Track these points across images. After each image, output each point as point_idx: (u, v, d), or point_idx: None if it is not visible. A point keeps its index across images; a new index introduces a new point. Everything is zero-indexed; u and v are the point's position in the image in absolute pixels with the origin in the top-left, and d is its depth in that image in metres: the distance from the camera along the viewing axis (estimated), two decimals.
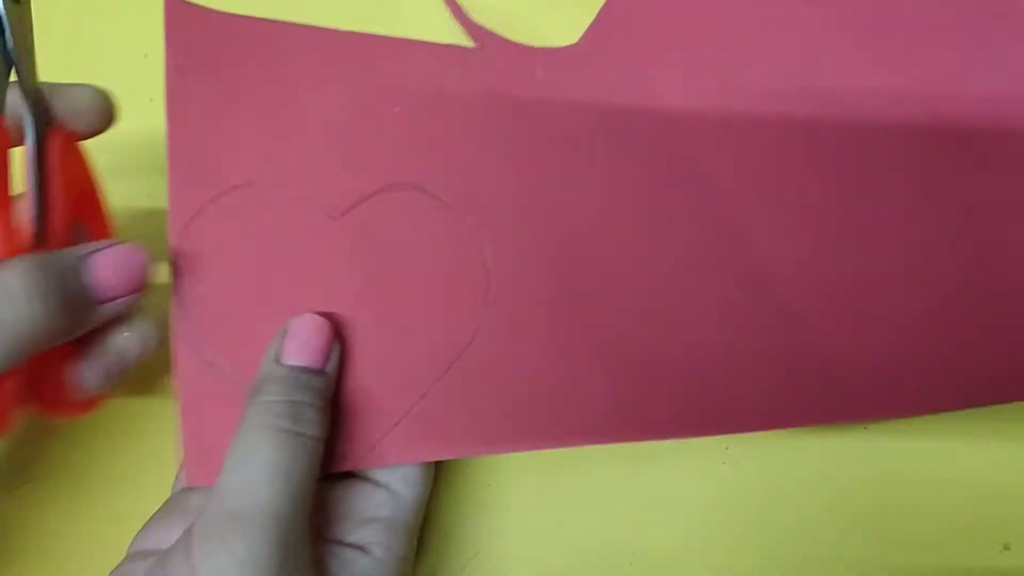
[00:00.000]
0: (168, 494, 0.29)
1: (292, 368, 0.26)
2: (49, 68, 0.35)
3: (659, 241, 0.31)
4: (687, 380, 0.30)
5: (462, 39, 0.34)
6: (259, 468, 0.24)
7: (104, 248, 0.25)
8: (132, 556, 0.27)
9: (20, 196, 0.26)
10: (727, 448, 0.32)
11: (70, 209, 0.27)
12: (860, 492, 0.32)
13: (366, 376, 0.28)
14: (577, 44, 0.33)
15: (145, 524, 0.28)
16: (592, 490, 0.33)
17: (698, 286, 0.31)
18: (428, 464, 0.29)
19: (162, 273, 0.28)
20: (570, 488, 0.33)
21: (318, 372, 0.26)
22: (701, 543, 0.32)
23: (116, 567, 0.27)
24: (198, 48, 0.30)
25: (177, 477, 0.29)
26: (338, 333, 0.28)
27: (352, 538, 0.27)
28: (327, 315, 0.28)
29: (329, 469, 0.27)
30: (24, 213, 0.26)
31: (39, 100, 0.26)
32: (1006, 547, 0.32)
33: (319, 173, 0.30)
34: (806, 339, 0.31)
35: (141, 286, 0.26)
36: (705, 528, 0.32)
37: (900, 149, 0.32)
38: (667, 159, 0.32)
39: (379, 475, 0.28)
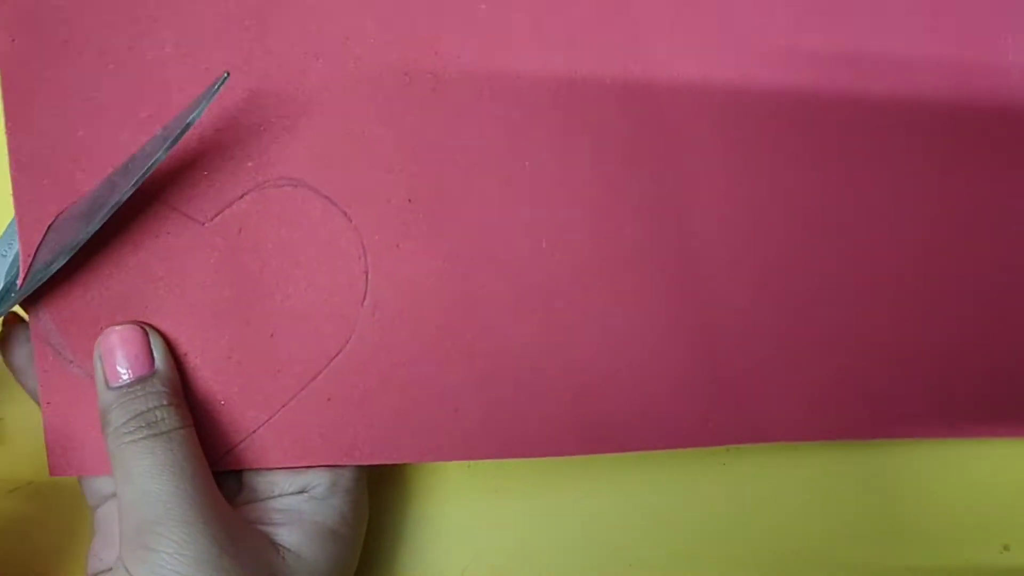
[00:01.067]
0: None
1: (121, 388, 0.26)
2: None
3: (575, 236, 0.29)
4: (577, 392, 0.29)
5: None
6: (141, 477, 0.24)
7: None
8: None
9: None
10: (726, 448, 0.32)
11: None
12: (859, 492, 0.32)
13: (230, 381, 0.27)
14: None
15: (89, 551, 0.28)
16: (590, 495, 0.32)
17: (620, 291, 0.29)
18: (338, 535, 0.28)
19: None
20: (569, 493, 0.32)
21: (151, 377, 0.26)
22: (699, 545, 0.32)
23: None
24: (35, 22, 0.26)
25: (85, 491, 0.29)
26: (151, 327, 0.27)
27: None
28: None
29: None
30: None
31: None
32: (1006, 547, 0.32)
33: (184, 168, 0.27)
34: (727, 354, 0.29)
35: None
36: (704, 529, 0.32)
37: (917, 125, 0.30)
38: (629, 133, 0.29)
39: (282, 538, 0.27)
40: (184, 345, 0.27)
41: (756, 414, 0.29)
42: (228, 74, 0.24)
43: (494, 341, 0.29)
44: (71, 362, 0.27)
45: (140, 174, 0.24)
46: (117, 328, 0.26)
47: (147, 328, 0.27)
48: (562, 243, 0.29)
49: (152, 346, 0.26)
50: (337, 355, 0.28)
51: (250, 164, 0.27)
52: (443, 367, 0.29)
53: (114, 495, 0.27)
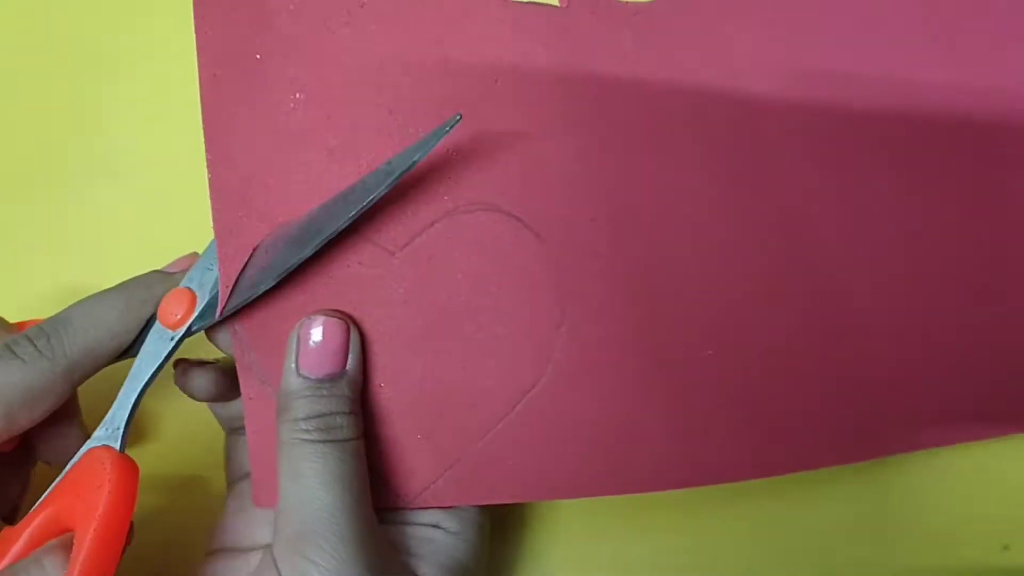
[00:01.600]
0: (168, 497, 0.29)
1: (312, 381, 0.25)
2: (48, 71, 0.35)
3: (742, 261, 0.29)
4: (763, 419, 0.28)
5: None
6: (311, 480, 0.24)
7: None
8: (215, 553, 0.27)
9: None
10: None
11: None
12: (858, 492, 0.33)
13: (425, 415, 0.27)
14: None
15: (220, 520, 0.28)
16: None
17: (775, 310, 0.29)
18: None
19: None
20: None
21: (340, 377, 0.26)
22: (700, 544, 0.32)
23: (203, 563, 0.27)
24: (232, 44, 0.26)
25: (227, 461, 0.29)
26: (356, 325, 0.26)
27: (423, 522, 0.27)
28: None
29: (383, 504, 0.27)
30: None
31: None
32: (1005, 547, 0.32)
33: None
34: (869, 365, 0.29)
35: None
36: (704, 529, 0.32)
37: (958, 144, 0.31)
38: (750, 157, 0.29)
39: (429, 517, 0.28)
40: (378, 376, 0.27)
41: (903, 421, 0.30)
42: (460, 116, 0.24)
43: (682, 360, 0.28)
44: (270, 386, 0.26)
45: (360, 206, 0.24)
46: (322, 315, 0.26)
47: (350, 325, 0.26)
48: (744, 263, 0.29)
49: (350, 345, 0.26)
50: (533, 387, 0.27)
51: (442, 190, 0.27)
52: (636, 392, 0.28)
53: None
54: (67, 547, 0.24)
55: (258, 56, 0.26)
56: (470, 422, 0.27)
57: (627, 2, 0.29)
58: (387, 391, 0.27)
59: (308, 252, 0.24)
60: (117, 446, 0.25)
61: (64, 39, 0.37)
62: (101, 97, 0.37)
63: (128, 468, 0.25)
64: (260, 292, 0.25)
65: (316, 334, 0.26)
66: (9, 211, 0.36)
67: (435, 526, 0.27)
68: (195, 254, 0.27)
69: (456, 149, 0.27)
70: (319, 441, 0.24)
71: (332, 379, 0.25)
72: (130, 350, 0.26)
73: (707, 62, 0.29)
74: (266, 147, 0.26)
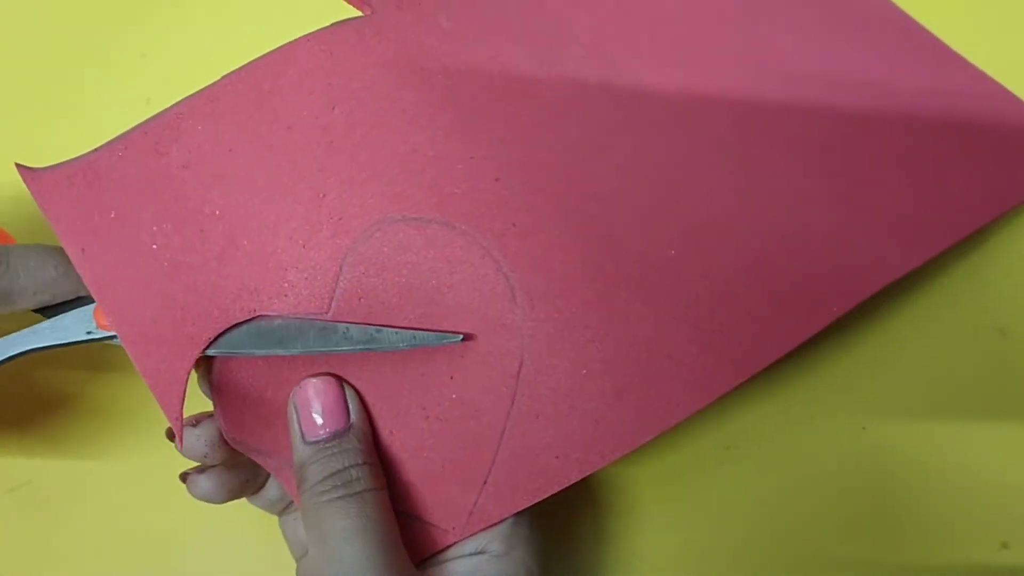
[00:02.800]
0: (167, 497, 0.30)
1: (318, 443, 0.25)
2: (49, 70, 0.36)
3: (663, 161, 0.30)
4: (751, 291, 0.29)
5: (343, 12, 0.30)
6: (334, 539, 0.24)
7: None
8: None
9: None
10: (727, 448, 0.33)
11: None
12: (858, 492, 0.32)
13: (438, 443, 0.27)
14: None
15: None
16: (591, 491, 0.32)
17: (723, 193, 0.30)
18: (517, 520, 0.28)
19: None
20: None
21: (346, 431, 0.26)
22: (701, 543, 0.32)
23: None
24: (86, 218, 0.27)
25: (287, 542, 0.29)
26: (342, 380, 0.27)
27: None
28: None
29: (438, 547, 0.27)
30: None
31: None
32: (1004, 545, 0.32)
33: (278, 275, 0.27)
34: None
35: None
36: (705, 528, 0.32)
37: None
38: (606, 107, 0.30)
39: (471, 545, 0.27)
40: (383, 424, 0.27)
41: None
42: (462, 337, 0.26)
43: (657, 270, 0.28)
44: (270, 457, 0.27)
45: (328, 349, 0.26)
46: (313, 379, 0.26)
47: (341, 381, 0.27)
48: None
49: (347, 399, 0.26)
50: (520, 368, 0.27)
51: (328, 233, 0.27)
52: (626, 317, 0.27)
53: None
54: None
55: (112, 213, 0.27)
56: (480, 430, 0.27)
57: None
58: (397, 435, 0.27)
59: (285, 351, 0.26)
60: None
61: (67, 38, 0.38)
62: (99, 96, 0.37)
63: None
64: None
65: (311, 398, 0.26)
66: (10, 210, 0.36)
67: (480, 552, 0.27)
68: None
69: (323, 191, 0.27)
70: (337, 498, 0.24)
71: (339, 436, 0.26)
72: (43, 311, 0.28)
73: (527, 24, 0.30)
74: (157, 285, 0.26)
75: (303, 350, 0.26)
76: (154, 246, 0.26)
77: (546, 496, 0.27)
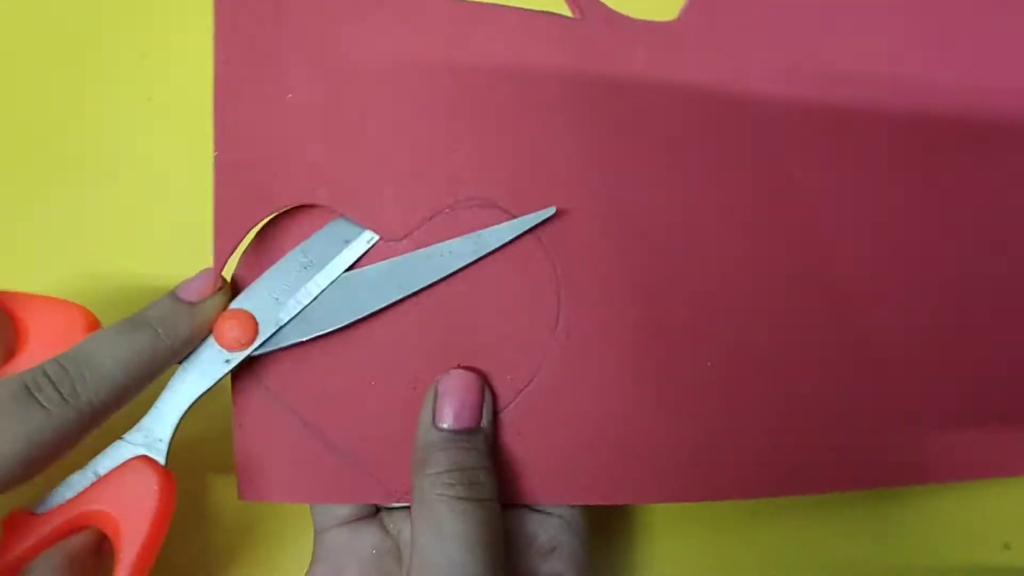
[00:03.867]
0: None
1: (452, 433, 0.25)
2: (49, 70, 0.36)
3: (758, 274, 0.29)
4: (772, 435, 0.28)
5: (560, 7, 0.30)
6: (457, 542, 0.23)
7: None
8: None
9: None
10: None
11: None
12: (862, 492, 0.33)
13: (415, 414, 0.27)
14: (680, 19, 0.30)
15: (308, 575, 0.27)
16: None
17: (792, 329, 0.28)
18: None
19: None
20: None
21: (477, 431, 0.26)
22: (701, 543, 0.32)
23: None
24: (248, 31, 0.27)
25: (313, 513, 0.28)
26: (488, 385, 0.27)
27: (545, 569, 0.27)
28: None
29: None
30: None
31: None
32: (1006, 546, 0.32)
33: (379, 188, 0.27)
34: (890, 385, 0.29)
35: None
36: (706, 528, 0.32)
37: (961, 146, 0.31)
38: (766, 167, 0.29)
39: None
40: (369, 375, 0.27)
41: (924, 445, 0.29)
42: (555, 210, 0.26)
43: (684, 368, 0.28)
44: (270, 391, 0.27)
45: (443, 274, 0.26)
46: (462, 372, 0.26)
47: (485, 382, 0.27)
48: (760, 276, 0.29)
49: (485, 401, 0.26)
50: (527, 386, 0.27)
51: (442, 185, 0.27)
52: (632, 397, 0.27)
53: (346, 523, 0.27)
54: (93, 545, 0.24)
55: (272, 45, 0.27)
56: None
57: (640, 20, 0.29)
58: (377, 388, 0.27)
59: (382, 304, 0.26)
60: (162, 460, 0.25)
61: (67, 37, 0.37)
62: (100, 96, 0.37)
63: (172, 487, 0.25)
64: (336, 327, 0.26)
65: (455, 388, 0.26)
66: (10, 210, 0.36)
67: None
68: (208, 271, 0.27)
69: (458, 144, 0.27)
70: (462, 498, 0.24)
71: (470, 433, 0.26)
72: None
73: (722, 81, 0.30)
74: (273, 132, 0.27)
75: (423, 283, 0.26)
76: (290, 99, 0.26)
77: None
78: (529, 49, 0.28)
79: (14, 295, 0.26)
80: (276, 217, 0.27)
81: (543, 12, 0.28)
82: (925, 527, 0.33)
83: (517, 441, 0.27)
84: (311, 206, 0.27)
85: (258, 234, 0.27)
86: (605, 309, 0.27)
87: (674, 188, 0.29)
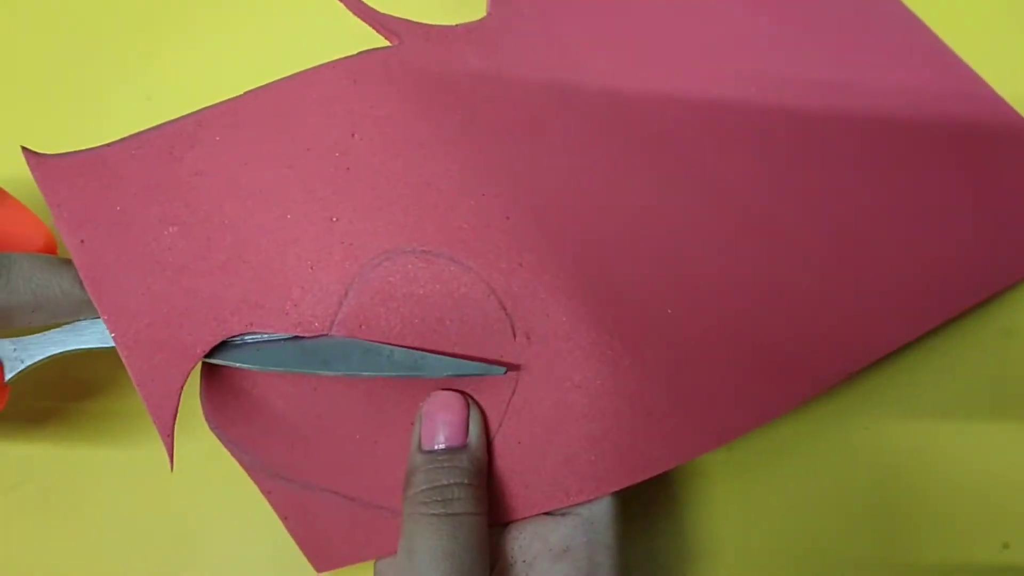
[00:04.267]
0: (169, 496, 0.31)
1: (432, 453, 0.26)
2: (49, 69, 0.37)
3: (670, 214, 0.30)
4: (741, 358, 0.28)
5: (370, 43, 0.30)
6: (423, 556, 0.23)
7: None
8: None
9: None
10: (729, 448, 0.32)
11: None
12: (860, 492, 0.32)
13: None
14: (489, 14, 0.30)
15: None
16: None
17: (723, 253, 0.30)
18: None
19: None
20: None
21: (460, 449, 0.26)
22: (703, 543, 0.32)
23: None
24: (91, 209, 0.26)
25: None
26: (474, 401, 0.27)
27: (555, 572, 0.26)
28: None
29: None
30: None
31: None
32: (1005, 545, 0.31)
33: (282, 292, 0.27)
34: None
35: None
36: (706, 528, 0.32)
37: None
38: (641, 135, 0.30)
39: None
40: (370, 429, 0.27)
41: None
42: (505, 370, 0.26)
43: (648, 325, 0.28)
44: (282, 477, 0.27)
45: (374, 373, 0.26)
46: (443, 392, 0.27)
47: (469, 401, 0.27)
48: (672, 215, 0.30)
49: (470, 420, 0.26)
50: (512, 396, 0.27)
51: (338, 257, 0.27)
52: (614, 370, 0.27)
53: None
54: None
55: (118, 208, 0.27)
56: None
57: (458, 25, 0.30)
58: (384, 445, 0.28)
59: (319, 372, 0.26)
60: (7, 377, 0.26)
61: (67, 37, 0.38)
62: (100, 96, 0.37)
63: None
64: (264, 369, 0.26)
65: (436, 410, 0.26)
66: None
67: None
68: None
69: (336, 213, 0.27)
70: (433, 515, 0.24)
71: (452, 452, 0.26)
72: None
73: (550, 61, 0.30)
74: (158, 287, 0.26)
75: (347, 372, 0.26)
76: (157, 247, 0.26)
77: (501, 523, 0.27)
78: (367, 94, 0.28)
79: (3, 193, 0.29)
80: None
81: (363, 52, 0.29)
82: (924, 526, 0.32)
83: (518, 453, 0.27)
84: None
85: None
86: (549, 301, 0.27)
87: (565, 174, 0.29)
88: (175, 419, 0.25)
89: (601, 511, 0.27)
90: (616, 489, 0.26)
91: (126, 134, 0.33)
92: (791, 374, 0.29)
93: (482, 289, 0.27)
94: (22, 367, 0.26)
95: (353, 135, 0.28)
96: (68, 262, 0.26)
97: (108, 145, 0.27)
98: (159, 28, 0.38)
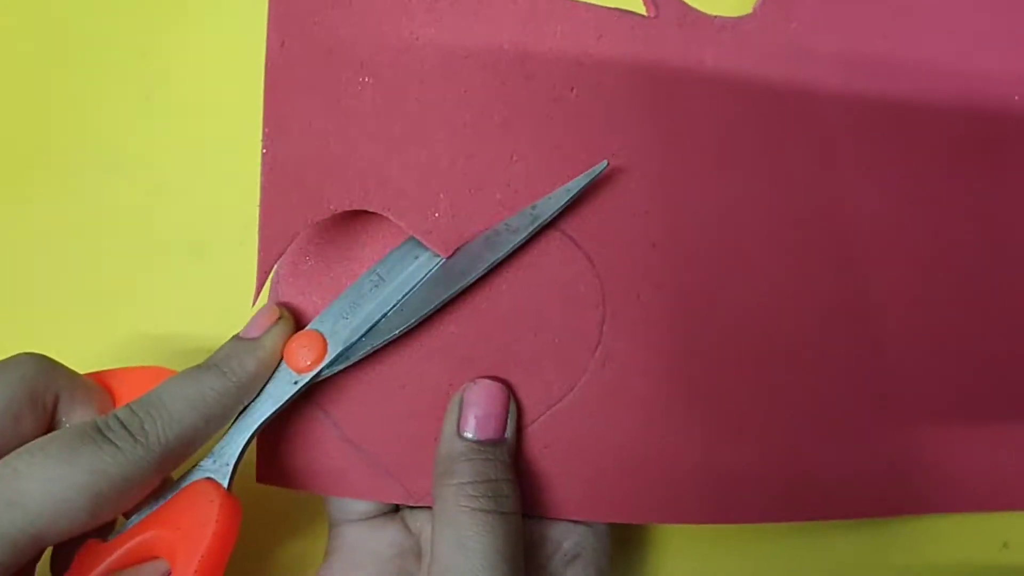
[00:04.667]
0: None
1: (476, 443, 0.25)
2: (49, 68, 0.37)
3: (796, 296, 0.28)
4: (798, 463, 0.28)
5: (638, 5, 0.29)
6: (480, 556, 0.23)
7: None
8: None
9: None
10: None
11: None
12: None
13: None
14: (754, 13, 0.29)
15: (320, 571, 0.27)
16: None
17: (825, 354, 0.28)
18: None
19: None
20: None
21: (500, 443, 0.26)
22: (703, 544, 0.33)
23: None
24: (306, 13, 0.25)
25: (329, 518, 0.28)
26: (514, 397, 0.27)
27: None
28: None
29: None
30: None
31: None
32: (1005, 545, 0.33)
33: (434, 198, 0.26)
34: (913, 417, 0.28)
35: None
36: (706, 528, 0.32)
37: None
38: (818, 190, 0.29)
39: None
40: (402, 377, 0.27)
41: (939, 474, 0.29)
42: (607, 163, 0.26)
43: (719, 390, 0.27)
44: (362, 449, 0.27)
45: (506, 250, 0.26)
46: (488, 382, 0.26)
47: (511, 393, 0.26)
48: (786, 299, 0.28)
49: (509, 413, 0.26)
50: (558, 403, 0.27)
51: (497, 196, 0.26)
52: (670, 421, 0.27)
53: (365, 519, 0.27)
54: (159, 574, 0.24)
55: (333, 30, 0.25)
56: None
57: (715, 17, 0.29)
58: (409, 390, 0.27)
59: (448, 296, 0.25)
60: (225, 483, 0.25)
61: (66, 36, 0.38)
62: (99, 95, 0.37)
63: (234, 508, 0.24)
64: (400, 333, 0.25)
65: (481, 398, 0.26)
66: (12, 209, 0.36)
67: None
68: (264, 308, 0.26)
69: (517, 154, 0.27)
70: (487, 511, 0.24)
71: (493, 444, 0.25)
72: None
73: (789, 84, 0.29)
74: (327, 128, 0.25)
75: (482, 270, 0.26)
76: (346, 89, 0.25)
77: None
78: (601, 51, 0.27)
79: (107, 372, 0.27)
80: (321, 225, 0.26)
81: (616, 9, 0.28)
82: (923, 526, 0.33)
83: (543, 455, 0.27)
84: (361, 213, 0.26)
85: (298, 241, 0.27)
86: (646, 334, 0.27)
87: (723, 200, 0.28)
88: (277, 261, 0.25)
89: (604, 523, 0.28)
90: (627, 522, 0.27)
91: (126, 134, 0.35)
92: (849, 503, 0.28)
93: (595, 294, 0.27)
94: (229, 470, 0.25)
95: (572, 89, 0.27)
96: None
97: None
98: (158, 27, 0.37)
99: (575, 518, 0.27)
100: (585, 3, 0.28)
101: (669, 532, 0.32)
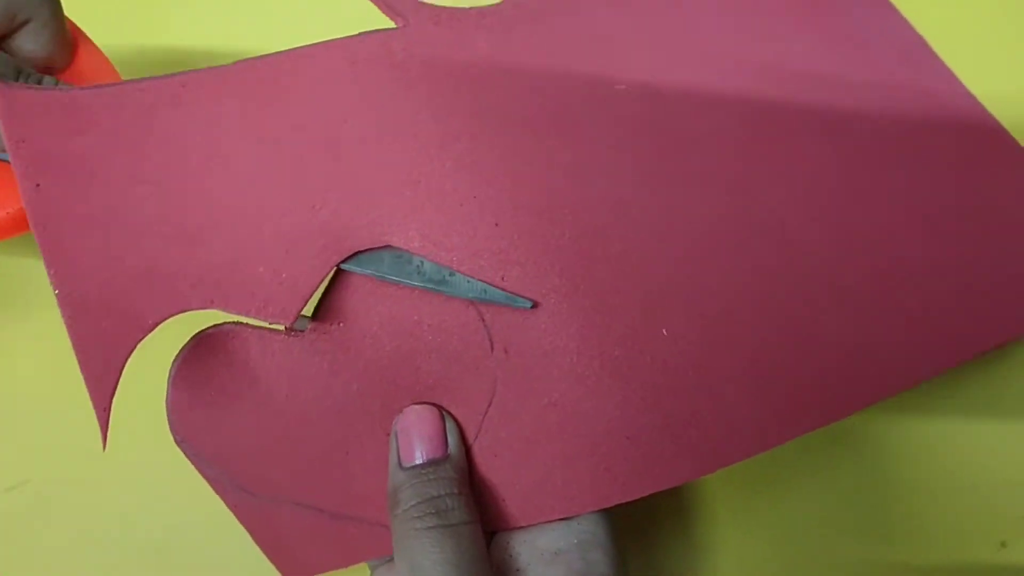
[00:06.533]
0: (168, 496, 0.30)
1: (415, 468, 0.25)
2: None
3: (680, 221, 0.28)
4: (742, 387, 0.27)
5: (378, 23, 0.28)
6: (427, 571, 0.23)
7: None
8: None
9: None
10: None
11: None
12: (860, 492, 0.32)
13: None
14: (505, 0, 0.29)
15: None
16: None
17: (731, 268, 0.28)
18: None
19: None
20: None
21: (443, 460, 0.26)
22: (703, 543, 0.32)
23: None
24: (55, 152, 0.24)
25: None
26: (447, 412, 0.26)
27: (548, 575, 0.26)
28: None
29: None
30: None
31: None
32: (1003, 544, 0.31)
33: (249, 272, 0.25)
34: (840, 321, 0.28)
35: None
36: (707, 528, 0.32)
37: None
38: (657, 132, 0.28)
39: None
40: (344, 445, 0.26)
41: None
42: (532, 303, 0.25)
43: (639, 345, 0.26)
44: (246, 491, 0.26)
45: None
46: (416, 407, 0.26)
47: (443, 412, 0.26)
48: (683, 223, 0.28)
49: (447, 431, 0.26)
50: (489, 407, 0.26)
51: (320, 244, 0.25)
52: (597, 389, 0.26)
53: (389, 560, 0.27)
54: None
55: (85, 156, 0.24)
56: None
57: (470, 8, 0.28)
58: (365, 452, 0.27)
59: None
60: None
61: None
62: None
63: None
64: None
65: (411, 425, 0.26)
66: None
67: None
68: None
69: (319, 204, 0.26)
70: (431, 527, 0.24)
71: (436, 463, 0.25)
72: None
73: (571, 52, 0.28)
74: (117, 248, 0.24)
75: (376, 273, 0.25)
76: (123, 206, 0.24)
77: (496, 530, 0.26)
78: (363, 78, 0.26)
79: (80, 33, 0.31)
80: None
81: (366, 33, 0.27)
82: (922, 526, 0.32)
83: (496, 465, 0.26)
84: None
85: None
86: (530, 315, 0.26)
87: (557, 168, 0.27)
88: (114, 393, 0.23)
89: (588, 512, 0.26)
90: (589, 509, 0.25)
91: None
92: (793, 405, 0.27)
93: (462, 300, 0.26)
94: None
95: (345, 121, 0.26)
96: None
97: (84, 88, 0.25)
98: (157, 26, 0.37)
99: (545, 520, 0.26)
100: (327, 41, 0.27)
101: (667, 531, 0.32)
